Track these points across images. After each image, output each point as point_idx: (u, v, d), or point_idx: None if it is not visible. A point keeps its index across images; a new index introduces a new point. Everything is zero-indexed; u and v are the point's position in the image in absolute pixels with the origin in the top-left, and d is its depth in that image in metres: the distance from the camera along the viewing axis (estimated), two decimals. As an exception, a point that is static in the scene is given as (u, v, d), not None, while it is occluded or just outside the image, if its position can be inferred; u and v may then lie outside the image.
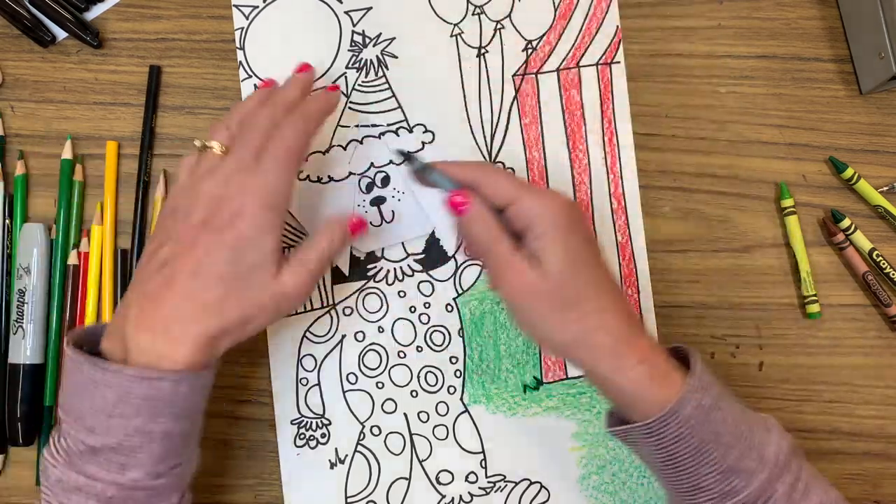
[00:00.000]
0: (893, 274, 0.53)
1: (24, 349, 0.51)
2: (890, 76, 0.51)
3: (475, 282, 0.53)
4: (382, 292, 0.52)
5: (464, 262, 0.53)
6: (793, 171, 0.54)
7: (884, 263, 0.53)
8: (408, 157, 0.45)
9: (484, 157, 0.53)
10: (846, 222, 0.53)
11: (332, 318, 0.52)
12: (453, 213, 0.43)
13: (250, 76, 0.53)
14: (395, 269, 0.52)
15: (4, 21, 0.53)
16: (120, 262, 0.52)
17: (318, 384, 0.52)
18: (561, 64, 0.53)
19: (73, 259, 0.52)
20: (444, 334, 0.53)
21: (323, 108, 0.45)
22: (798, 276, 0.53)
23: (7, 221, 0.52)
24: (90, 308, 0.52)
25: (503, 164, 0.53)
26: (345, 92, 0.53)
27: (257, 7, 0.53)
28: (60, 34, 0.53)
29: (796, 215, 0.53)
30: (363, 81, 0.53)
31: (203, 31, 0.54)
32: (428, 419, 0.52)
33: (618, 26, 0.54)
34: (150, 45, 0.54)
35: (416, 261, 0.53)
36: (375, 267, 0.52)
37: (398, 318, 0.52)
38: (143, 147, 0.53)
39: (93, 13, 0.54)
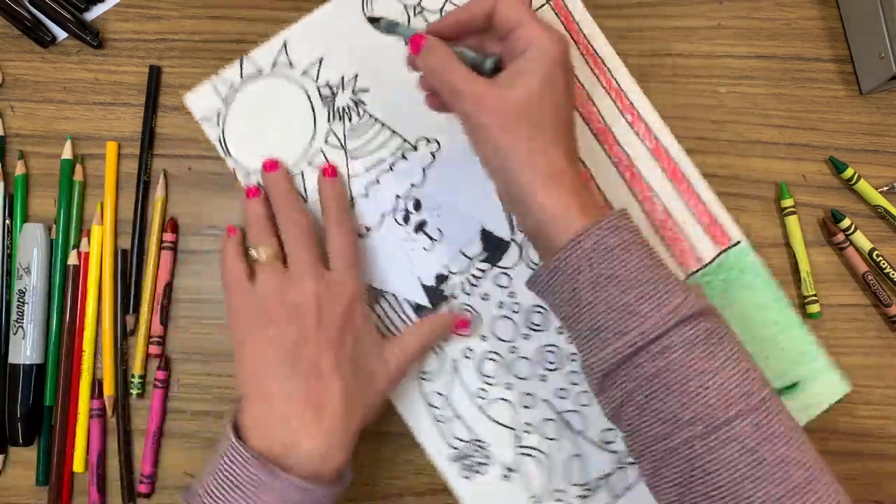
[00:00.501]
0: (893, 274, 0.53)
1: (24, 349, 0.51)
2: (890, 76, 0.51)
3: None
4: (467, 304, 0.52)
5: (524, 239, 0.52)
6: (793, 171, 0.54)
7: (884, 263, 0.53)
8: (375, 21, 0.46)
9: None
10: (846, 222, 0.53)
11: (434, 351, 0.52)
12: (413, 55, 0.44)
13: (235, 165, 0.52)
14: (465, 278, 0.52)
15: (4, 21, 0.53)
16: (120, 262, 0.52)
17: (456, 415, 0.52)
18: None
19: (73, 259, 0.52)
20: (541, 312, 0.52)
21: (338, 196, 0.50)
22: (798, 276, 0.53)
23: (7, 221, 0.52)
24: (90, 308, 0.52)
25: None
26: (342, 143, 0.52)
27: (220, 113, 0.52)
28: (60, 34, 0.53)
29: (796, 215, 0.53)
30: (351, 127, 0.52)
31: (203, 31, 0.54)
32: (568, 393, 0.52)
33: None
34: (150, 45, 0.54)
35: (481, 261, 0.52)
36: (448, 285, 0.52)
37: (493, 320, 0.52)
38: (143, 147, 0.53)
39: (93, 13, 0.54)
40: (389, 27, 0.46)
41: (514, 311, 0.52)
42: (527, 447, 0.52)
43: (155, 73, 0.53)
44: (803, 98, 0.55)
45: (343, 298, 0.45)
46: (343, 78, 0.52)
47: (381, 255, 0.52)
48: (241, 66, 0.52)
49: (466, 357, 0.52)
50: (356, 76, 0.52)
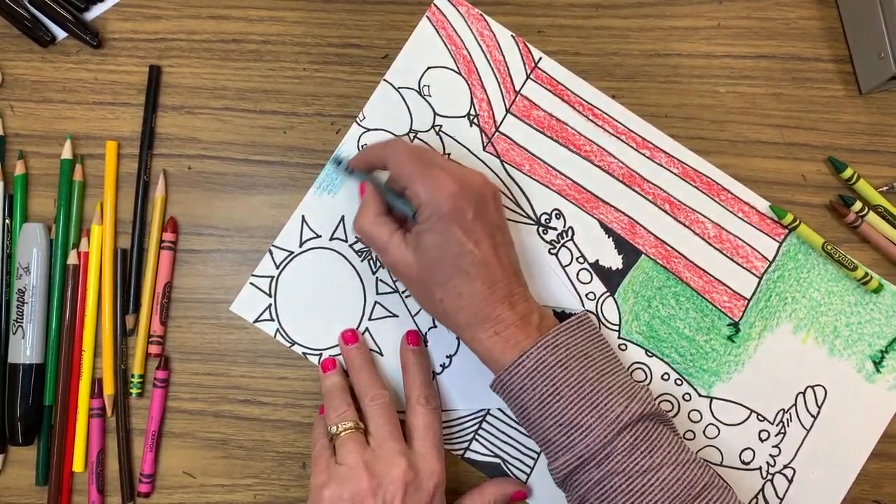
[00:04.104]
0: None
1: (24, 349, 0.51)
2: (889, 76, 0.51)
3: (618, 310, 0.53)
4: None
5: (599, 300, 0.53)
6: (792, 171, 0.54)
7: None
8: (339, 162, 0.50)
9: (532, 219, 0.53)
10: (857, 205, 0.53)
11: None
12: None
13: (288, 341, 0.53)
14: None
15: (4, 21, 0.53)
16: (120, 262, 0.52)
17: None
18: (507, 104, 0.53)
19: (72, 259, 0.52)
20: (642, 369, 0.53)
21: (423, 367, 0.51)
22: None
23: (7, 221, 0.52)
24: (90, 308, 0.52)
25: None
26: (393, 288, 0.52)
27: (270, 307, 0.53)
28: (60, 34, 0.53)
29: (802, 224, 0.53)
30: None
31: (203, 31, 0.54)
32: (694, 437, 0.52)
33: (512, 36, 0.54)
34: (149, 45, 0.54)
35: None
36: None
37: None
38: (143, 147, 0.53)
39: (93, 13, 0.54)
40: (348, 171, 0.50)
41: None
42: None
43: (155, 73, 0.53)
44: (803, 98, 0.55)
45: (429, 486, 0.45)
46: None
47: (472, 376, 0.52)
48: (271, 256, 0.53)
49: None
50: None
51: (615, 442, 0.42)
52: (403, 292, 0.53)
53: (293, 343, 0.52)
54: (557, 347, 0.43)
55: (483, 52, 0.54)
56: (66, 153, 0.53)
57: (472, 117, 0.53)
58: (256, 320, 0.52)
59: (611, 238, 0.53)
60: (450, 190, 0.43)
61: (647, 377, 0.53)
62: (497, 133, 0.53)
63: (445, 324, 0.46)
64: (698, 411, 0.53)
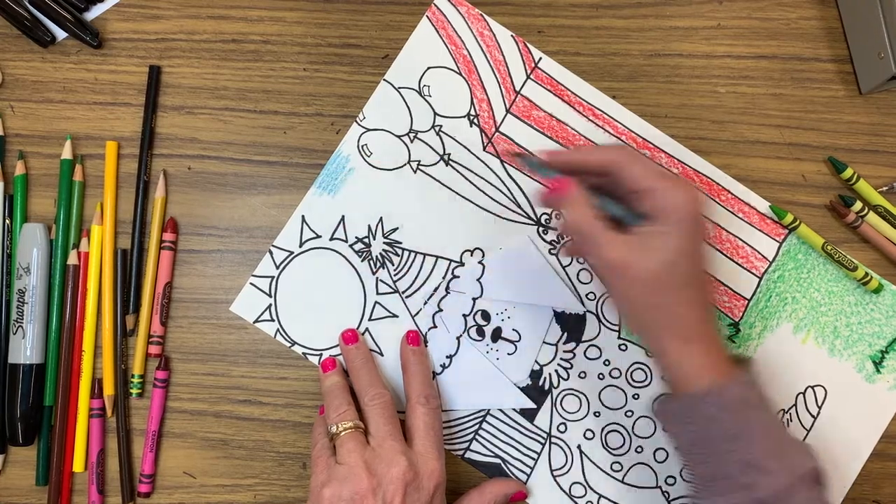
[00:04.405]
0: None
1: (24, 349, 0.51)
2: (890, 76, 0.51)
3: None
4: (569, 389, 0.53)
5: (599, 301, 0.53)
6: (792, 171, 0.54)
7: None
8: (521, 156, 0.47)
9: (532, 219, 0.53)
10: (857, 205, 0.53)
11: (558, 447, 0.52)
12: (553, 196, 0.45)
13: (288, 340, 0.53)
14: (557, 364, 0.53)
15: (4, 21, 0.53)
16: (120, 262, 0.52)
17: (600, 495, 0.52)
18: (507, 104, 0.54)
19: (73, 259, 0.52)
20: (641, 368, 0.53)
21: (424, 368, 0.51)
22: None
23: (7, 221, 0.52)
24: (90, 308, 0.52)
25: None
26: (393, 287, 0.53)
27: (270, 307, 0.52)
28: (60, 34, 0.53)
29: (802, 224, 0.53)
30: (395, 270, 0.53)
31: (203, 31, 0.54)
32: None
33: (512, 36, 0.54)
34: (149, 45, 0.54)
35: (565, 343, 0.53)
36: (543, 378, 0.53)
37: (598, 394, 0.53)
38: (143, 147, 0.53)
39: (93, 13, 0.54)
40: (531, 165, 0.47)
41: (614, 378, 0.53)
42: (677, 498, 0.52)
43: (155, 73, 0.53)
44: (803, 98, 0.55)
45: (430, 485, 0.45)
46: (370, 226, 0.53)
47: (471, 376, 0.52)
48: (271, 256, 0.53)
49: (588, 439, 0.52)
50: (381, 220, 0.53)
51: (796, 496, 0.41)
52: (404, 293, 0.53)
53: (293, 343, 0.52)
54: (756, 386, 0.44)
55: (483, 52, 0.54)
56: (66, 153, 0.53)
57: (472, 117, 0.53)
58: (256, 320, 0.52)
59: None
60: (697, 199, 0.43)
61: (647, 377, 0.53)
62: (497, 133, 0.53)
63: (644, 329, 0.45)
64: None
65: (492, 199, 0.53)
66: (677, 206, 0.42)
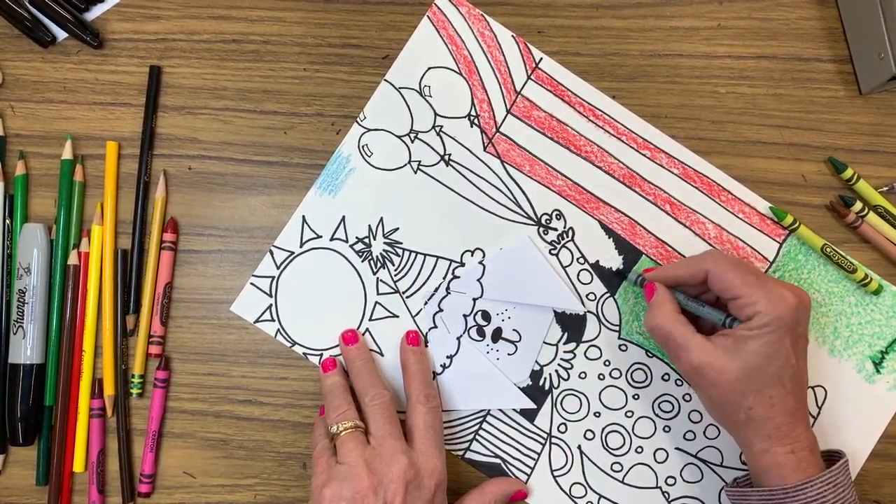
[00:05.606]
0: None
1: (25, 349, 0.51)
2: (890, 76, 0.51)
3: (619, 310, 0.53)
4: (569, 389, 0.53)
5: (599, 301, 0.53)
6: (792, 171, 0.54)
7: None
8: (630, 278, 0.51)
9: (532, 219, 0.53)
10: (857, 205, 0.53)
11: (558, 447, 0.53)
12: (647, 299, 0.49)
13: (289, 341, 0.53)
14: (557, 364, 0.53)
15: (4, 21, 0.53)
16: (120, 262, 0.52)
17: (600, 496, 0.52)
18: (508, 105, 0.54)
19: (73, 259, 0.52)
20: (641, 369, 0.53)
21: (423, 367, 0.51)
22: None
23: (7, 221, 0.52)
24: (90, 308, 0.52)
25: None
26: (394, 288, 0.53)
27: (271, 307, 0.52)
28: (60, 34, 0.53)
29: (801, 225, 0.53)
30: (395, 270, 0.53)
31: (203, 31, 0.54)
32: (694, 434, 0.53)
33: (512, 36, 0.54)
34: (150, 45, 0.54)
35: (565, 343, 0.53)
36: (544, 378, 0.53)
37: (599, 394, 0.53)
38: (143, 147, 0.53)
39: (93, 13, 0.54)
40: (637, 280, 0.51)
41: (615, 378, 0.53)
42: (677, 498, 0.52)
43: (155, 73, 0.53)
44: (803, 98, 0.55)
45: (430, 484, 0.46)
46: (370, 227, 0.53)
47: (472, 377, 0.52)
48: (272, 256, 0.53)
49: (589, 439, 0.52)
50: (381, 220, 0.53)
51: None
52: (405, 293, 0.53)
53: (293, 343, 0.52)
54: (837, 486, 0.44)
55: (484, 52, 0.54)
56: (67, 153, 0.53)
57: (472, 118, 0.53)
58: (257, 320, 0.52)
59: (611, 239, 0.53)
60: (792, 303, 0.44)
61: (647, 378, 0.53)
62: (497, 133, 0.53)
63: (726, 424, 0.47)
64: (699, 411, 0.53)
65: (492, 199, 0.53)
66: (771, 311, 0.44)
